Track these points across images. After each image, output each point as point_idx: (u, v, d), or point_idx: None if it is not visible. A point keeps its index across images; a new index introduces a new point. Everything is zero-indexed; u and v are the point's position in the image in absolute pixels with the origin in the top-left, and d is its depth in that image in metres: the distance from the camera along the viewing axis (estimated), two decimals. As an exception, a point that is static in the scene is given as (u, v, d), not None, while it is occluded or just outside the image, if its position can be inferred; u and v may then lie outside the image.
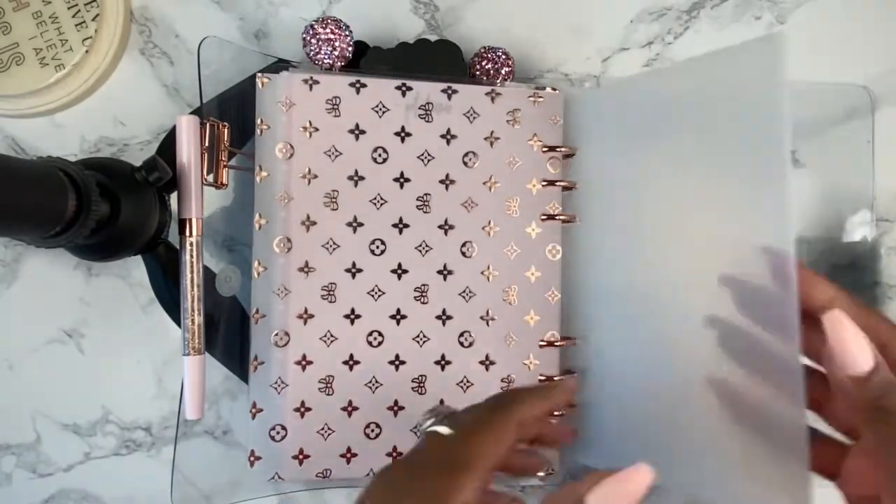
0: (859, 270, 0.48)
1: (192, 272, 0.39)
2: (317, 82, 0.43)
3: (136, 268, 0.46)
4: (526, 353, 0.44)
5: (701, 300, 0.47)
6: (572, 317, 0.46)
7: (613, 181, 0.45)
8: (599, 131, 0.45)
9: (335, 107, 0.43)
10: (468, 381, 0.44)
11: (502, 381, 0.44)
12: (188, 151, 0.39)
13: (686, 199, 0.41)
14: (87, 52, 0.44)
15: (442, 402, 0.44)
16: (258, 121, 0.43)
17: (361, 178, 0.43)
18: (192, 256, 0.39)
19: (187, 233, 0.39)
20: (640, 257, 0.46)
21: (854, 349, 0.29)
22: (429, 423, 0.32)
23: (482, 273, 0.44)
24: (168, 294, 0.42)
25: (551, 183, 0.45)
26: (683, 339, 0.46)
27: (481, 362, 0.44)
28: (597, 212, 0.46)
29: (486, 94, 0.44)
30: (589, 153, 0.45)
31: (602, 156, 0.46)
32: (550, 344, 0.44)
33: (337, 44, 0.42)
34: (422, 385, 0.44)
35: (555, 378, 0.44)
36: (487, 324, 0.44)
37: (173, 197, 0.41)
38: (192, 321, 0.39)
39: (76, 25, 0.44)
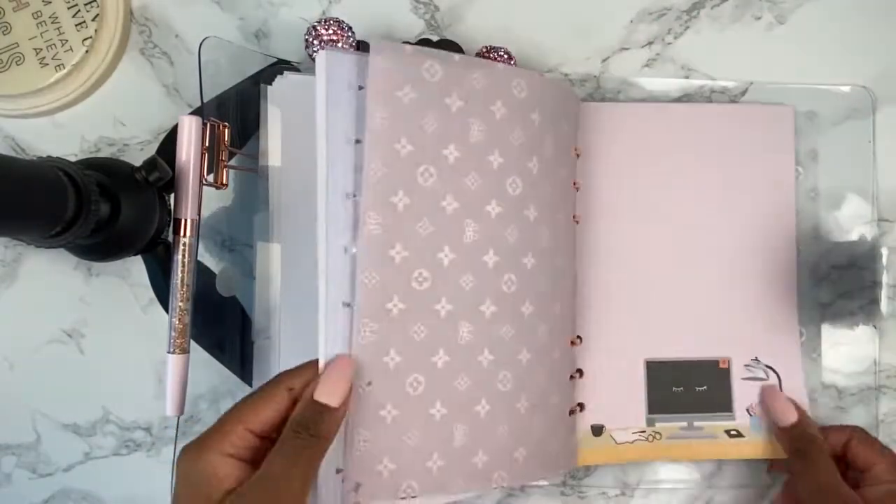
0: (859, 270, 0.48)
1: (182, 272, 0.39)
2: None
3: (136, 268, 0.46)
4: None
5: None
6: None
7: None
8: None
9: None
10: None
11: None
12: (188, 151, 0.39)
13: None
14: (87, 52, 0.44)
15: None
16: (261, 123, 0.43)
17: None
18: (183, 256, 0.39)
19: (181, 233, 0.39)
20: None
21: (780, 408, 0.44)
22: None
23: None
24: (168, 294, 0.42)
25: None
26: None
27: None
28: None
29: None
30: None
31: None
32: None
33: (339, 45, 0.42)
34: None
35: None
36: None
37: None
38: (180, 320, 0.39)
39: (76, 25, 0.44)
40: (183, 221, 0.39)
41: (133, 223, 0.39)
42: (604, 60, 0.48)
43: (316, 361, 0.35)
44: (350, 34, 0.43)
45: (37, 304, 0.46)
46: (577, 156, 0.45)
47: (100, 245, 0.39)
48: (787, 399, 0.44)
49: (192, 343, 0.40)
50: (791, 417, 0.43)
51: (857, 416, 0.47)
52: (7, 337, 0.46)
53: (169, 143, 0.41)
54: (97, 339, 0.46)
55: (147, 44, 0.47)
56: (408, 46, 0.37)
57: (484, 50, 0.45)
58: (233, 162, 0.42)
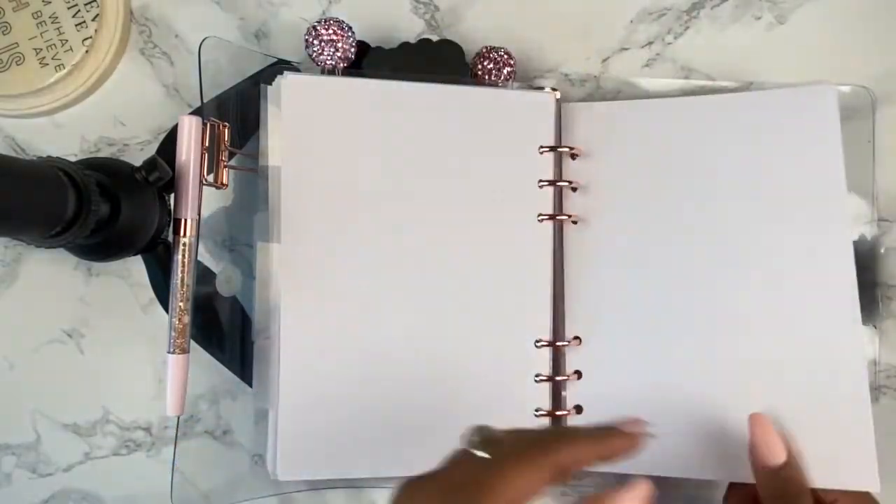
0: (859, 270, 0.48)
1: (182, 272, 0.39)
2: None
3: (136, 268, 0.46)
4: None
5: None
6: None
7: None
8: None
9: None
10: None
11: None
12: (188, 151, 0.39)
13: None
14: (87, 52, 0.44)
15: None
16: (262, 123, 0.43)
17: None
18: (184, 256, 0.39)
19: (181, 233, 0.39)
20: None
21: (767, 442, 0.36)
22: (470, 441, 0.31)
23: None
24: (168, 294, 0.42)
25: (551, 183, 0.45)
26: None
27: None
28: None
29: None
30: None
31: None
32: (550, 344, 0.44)
33: (339, 45, 0.42)
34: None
35: (556, 379, 0.44)
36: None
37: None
38: (180, 320, 0.39)
39: (76, 25, 0.44)
40: (183, 221, 0.39)
41: (133, 223, 0.39)
42: (604, 60, 0.48)
43: (604, 434, 0.32)
44: (350, 34, 0.43)
45: (37, 304, 0.46)
46: (577, 156, 0.45)
47: (100, 245, 0.39)
48: (778, 433, 0.36)
49: (192, 343, 0.40)
50: (779, 457, 0.35)
51: (857, 416, 0.47)
52: (7, 337, 0.46)
53: (169, 143, 0.41)
54: (97, 339, 0.46)
55: (147, 44, 0.47)
56: None
57: (484, 50, 0.45)
58: (233, 162, 0.42)
